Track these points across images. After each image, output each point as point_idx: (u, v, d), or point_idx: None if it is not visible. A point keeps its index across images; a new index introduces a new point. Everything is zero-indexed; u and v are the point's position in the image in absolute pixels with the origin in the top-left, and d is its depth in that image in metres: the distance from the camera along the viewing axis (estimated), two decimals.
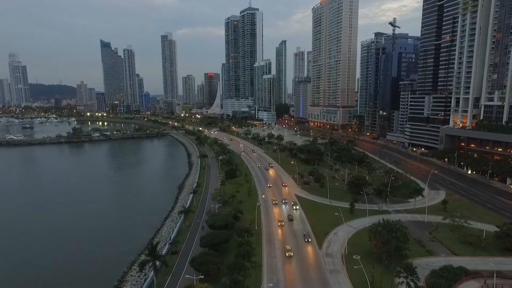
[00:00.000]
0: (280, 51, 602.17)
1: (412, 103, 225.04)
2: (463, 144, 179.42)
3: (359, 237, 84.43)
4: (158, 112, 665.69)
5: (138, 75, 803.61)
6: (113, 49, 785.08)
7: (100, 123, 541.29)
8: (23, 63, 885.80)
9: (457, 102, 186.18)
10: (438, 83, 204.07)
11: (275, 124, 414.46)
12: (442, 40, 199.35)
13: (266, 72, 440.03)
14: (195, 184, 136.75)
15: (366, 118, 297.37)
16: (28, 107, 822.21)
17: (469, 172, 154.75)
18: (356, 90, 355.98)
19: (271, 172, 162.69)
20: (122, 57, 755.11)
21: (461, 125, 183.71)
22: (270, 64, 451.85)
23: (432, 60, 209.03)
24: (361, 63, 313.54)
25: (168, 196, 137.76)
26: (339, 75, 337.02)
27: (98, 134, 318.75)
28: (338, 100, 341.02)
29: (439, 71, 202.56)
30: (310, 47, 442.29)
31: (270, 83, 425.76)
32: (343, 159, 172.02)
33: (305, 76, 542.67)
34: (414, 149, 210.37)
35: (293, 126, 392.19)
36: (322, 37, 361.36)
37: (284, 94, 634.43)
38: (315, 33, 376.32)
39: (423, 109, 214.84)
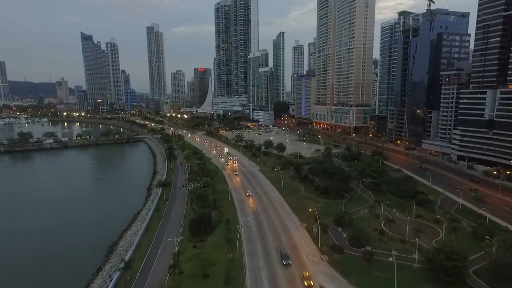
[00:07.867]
0: (278, 44, 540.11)
1: (464, 100, 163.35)
2: None
3: None
4: (144, 112, 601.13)
5: (124, 71, 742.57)
6: (95, 42, 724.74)
7: (78, 123, 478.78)
8: (2, 59, 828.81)
9: None
10: (508, 73, 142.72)
11: (273, 126, 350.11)
12: None
13: (262, 65, 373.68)
14: (128, 256, 71.66)
15: (389, 119, 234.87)
16: (6, 106, 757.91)
17: None
18: (373, 84, 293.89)
19: (272, 219, 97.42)
20: (105, 51, 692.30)
21: None
22: (267, 54, 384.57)
23: (498, 39, 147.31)
24: (381, 50, 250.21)
25: (89, 265, 75.96)
26: (351, 66, 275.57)
27: (52, 141, 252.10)
28: (350, 97, 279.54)
29: (511, 55, 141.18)
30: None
31: (267, 77, 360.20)
32: (384, 189, 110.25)
33: (306, 70, 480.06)
34: (495, 171, 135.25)
35: (294, 128, 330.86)
36: (330, 21, 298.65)
37: (282, 92, 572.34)
38: (321, 16, 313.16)
39: (482, 109, 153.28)
